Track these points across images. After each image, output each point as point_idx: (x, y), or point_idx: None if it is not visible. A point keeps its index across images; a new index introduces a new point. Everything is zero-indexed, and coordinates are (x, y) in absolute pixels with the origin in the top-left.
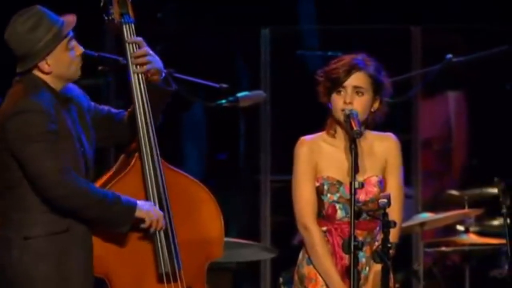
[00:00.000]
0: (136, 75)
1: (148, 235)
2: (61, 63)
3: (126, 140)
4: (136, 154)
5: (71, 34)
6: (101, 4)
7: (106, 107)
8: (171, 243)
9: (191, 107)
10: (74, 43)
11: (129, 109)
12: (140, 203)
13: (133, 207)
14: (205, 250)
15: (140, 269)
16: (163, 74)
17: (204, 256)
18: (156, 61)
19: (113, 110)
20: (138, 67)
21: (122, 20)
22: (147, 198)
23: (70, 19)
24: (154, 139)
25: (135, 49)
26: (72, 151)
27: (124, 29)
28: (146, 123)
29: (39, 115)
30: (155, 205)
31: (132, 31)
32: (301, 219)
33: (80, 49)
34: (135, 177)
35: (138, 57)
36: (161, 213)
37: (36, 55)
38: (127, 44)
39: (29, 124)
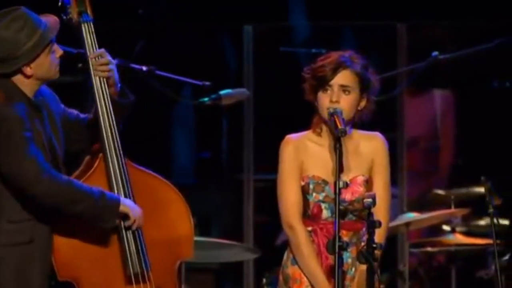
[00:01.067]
0: (97, 77)
1: (115, 236)
2: (43, 67)
3: (95, 143)
4: (100, 155)
5: (54, 37)
6: (59, 2)
7: (75, 111)
8: (139, 244)
9: (179, 104)
10: (55, 46)
11: (92, 111)
12: (122, 198)
13: (117, 201)
14: (174, 250)
15: (109, 271)
16: (119, 87)
17: (173, 256)
18: (115, 72)
19: (81, 115)
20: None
21: (81, 19)
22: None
23: (52, 23)
24: (117, 139)
25: (95, 53)
26: (44, 156)
27: (83, 29)
28: (109, 123)
29: (16, 123)
30: None
31: (91, 30)
32: (286, 219)
33: (60, 51)
34: (99, 178)
35: (100, 64)
36: (140, 209)
37: (20, 59)
38: (87, 46)
39: (9, 132)
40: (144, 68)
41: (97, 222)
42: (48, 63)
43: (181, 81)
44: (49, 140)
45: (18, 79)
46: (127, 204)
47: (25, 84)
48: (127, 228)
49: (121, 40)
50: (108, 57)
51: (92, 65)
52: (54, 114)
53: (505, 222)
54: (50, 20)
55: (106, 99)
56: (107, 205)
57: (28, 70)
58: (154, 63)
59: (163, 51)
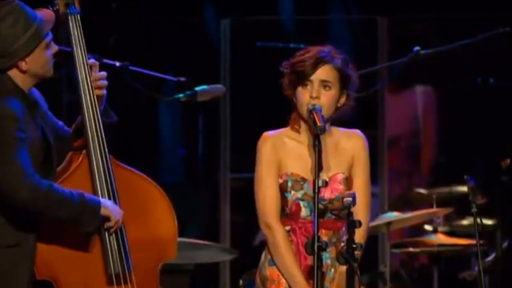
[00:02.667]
0: (83, 69)
1: (97, 235)
2: (38, 62)
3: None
4: (84, 151)
5: (49, 33)
6: None
7: (61, 122)
8: (121, 244)
9: (154, 101)
10: (51, 42)
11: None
12: (103, 200)
13: (97, 205)
14: (158, 250)
15: (89, 271)
16: (104, 104)
17: (156, 257)
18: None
19: (66, 127)
20: (87, 73)
21: (68, 11)
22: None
23: (48, 17)
24: (102, 134)
25: (83, 53)
26: (36, 155)
27: (70, 21)
28: (94, 117)
29: (10, 120)
30: None
31: (78, 22)
32: (264, 218)
33: (55, 48)
34: (82, 176)
35: (99, 79)
36: (121, 211)
37: (15, 53)
38: (73, 38)
39: (2, 130)
40: (117, 64)
41: (78, 227)
42: (43, 59)
43: (155, 77)
44: (43, 133)
45: (13, 73)
46: (108, 206)
47: (20, 79)
48: (108, 230)
49: (93, 35)
50: (103, 72)
51: (88, 80)
52: (45, 116)
53: (489, 222)
54: (45, 14)
55: (90, 92)
56: (88, 210)
57: (23, 65)
58: (127, 58)
59: (137, 46)
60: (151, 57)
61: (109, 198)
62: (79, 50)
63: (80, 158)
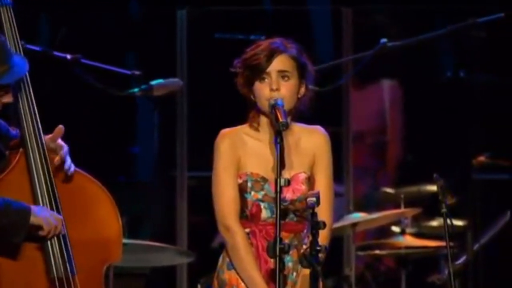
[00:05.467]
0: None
1: (38, 237)
2: None
3: None
4: (21, 150)
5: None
6: None
7: (5, 125)
8: (63, 246)
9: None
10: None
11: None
12: (34, 208)
13: (27, 213)
14: (102, 252)
15: (30, 274)
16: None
17: (100, 259)
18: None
19: (11, 130)
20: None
21: None
22: (34, 198)
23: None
24: (39, 131)
25: (17, 46)
26: None
27: (1, 13)
28: (30, 112)
29: None
30: (44, 205)
31: (11, 14)
32: (222, 220)
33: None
34: (20, 175)
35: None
36: (60, 217)
37: None
38: (5, 32)
39: None
40: (69, 57)
41: (4, 237)
42: None
43: (109, 70)
44: None
45: None
46: (39, 215)
47: None
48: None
49: (44, 27)
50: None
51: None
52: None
53: (459, 222)
54: (20, 63)
55: (26, 84)
56: (14, 219)
57: None
58: (79, 51)
59: (88, 38)
60: (104, 49)
61: (49, 198)
62: (13, 43)
63: (17, 157)
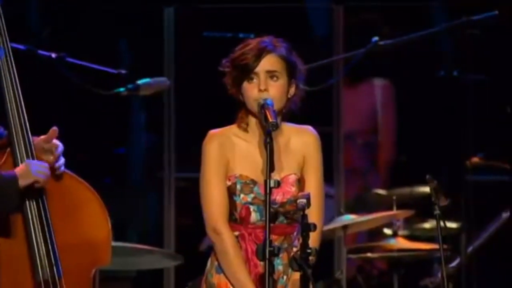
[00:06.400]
0: (4, 53)
1: (24, 239)
2: None
3: None
4: (8, 150)
5: None
6: None
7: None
8: (50, 248)
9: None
10: None
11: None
12: (18, 169)
13: (13, 176)
14: (90, 255)
15: (16, 277)
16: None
17: (88, 262)
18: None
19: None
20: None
21: None
22: (22, 198)
23: None
24: (27, 131)
25: (4, 43)
26: None
27: None
28: (18, 111)
29: None
30: (32, 207)
31: None
32: (211, 223)
33: None
34: None
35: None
36: (46, 164)
37: None
38: None
39: None
40: (53, 55)
41: None
42: None
43: (94, 69)
44: None
45: None
46: (29, 171)
47: None
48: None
49: (29, 25)
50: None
51: (10, 69)
52: None
53: (453, 225)
54: None
55: (13, 81)
56: (4, 183)
57: None
58: (64, 50)
59: (74, 37)
60: (90, 48)
61: (36, 199)
62: (2, 39)
63: (4, 157)
